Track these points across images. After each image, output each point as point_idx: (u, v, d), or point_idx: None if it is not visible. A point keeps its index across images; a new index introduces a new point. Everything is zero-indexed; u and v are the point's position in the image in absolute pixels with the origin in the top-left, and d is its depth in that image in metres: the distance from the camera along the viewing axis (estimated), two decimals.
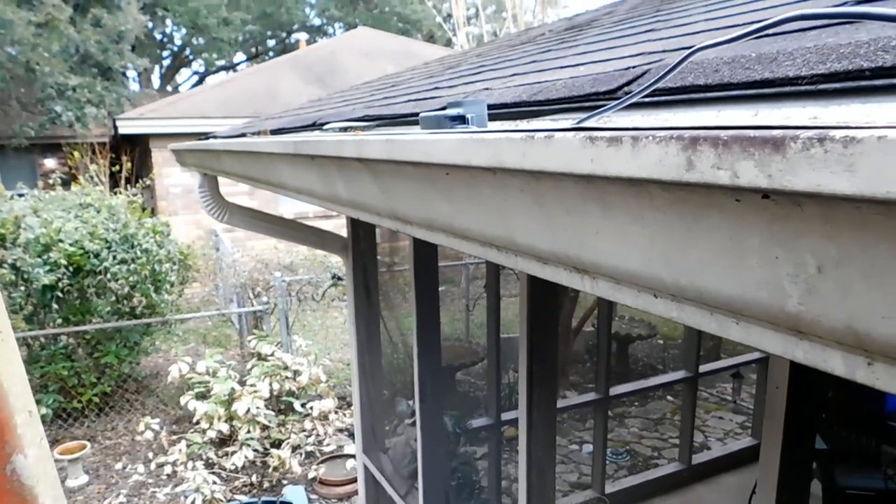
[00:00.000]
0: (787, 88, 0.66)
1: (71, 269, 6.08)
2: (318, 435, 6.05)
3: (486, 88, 1.50)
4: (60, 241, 5.99)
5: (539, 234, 0.81)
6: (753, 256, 0.54)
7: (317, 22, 31.18)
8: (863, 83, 0.60)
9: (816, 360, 0.54)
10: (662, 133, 0.53)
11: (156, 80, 29.80)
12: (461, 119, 0.95)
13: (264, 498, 4.25)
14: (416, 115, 1.47)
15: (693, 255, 0.60)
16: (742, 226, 0.53)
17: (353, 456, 5.70)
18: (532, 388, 2.98)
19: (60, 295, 6.14)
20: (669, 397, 7.09)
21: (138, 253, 6.46)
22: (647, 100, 0.85)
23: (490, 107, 1.10)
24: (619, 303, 0.76)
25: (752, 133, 0.46)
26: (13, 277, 5.98)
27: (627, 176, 0.57)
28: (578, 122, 0.75)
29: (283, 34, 30.83)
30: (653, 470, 5.61)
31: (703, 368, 5.38)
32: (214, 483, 5.22)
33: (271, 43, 31.60)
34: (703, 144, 0.49)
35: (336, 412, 6.17)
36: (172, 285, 7.04)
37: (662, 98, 0.84)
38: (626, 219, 0.66)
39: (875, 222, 0.41)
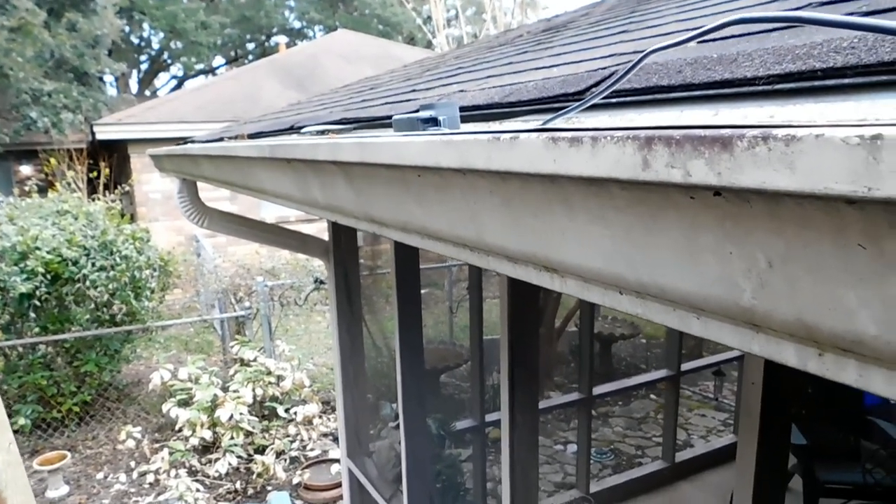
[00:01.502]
0: (746, 89, 0.68)
1: (49, 276, 6.01)
2: (302, 440, 6.02)
3: (462, 91, 1.52)
4: (37, 248, 5.92)
5: (508, 235, 0.82)
6: (708, 253, 0.55)
7: (297, 25, 31.08)
8: (815, 83, 0.62)
9: (771, 352, 0.56)
10: (620, 133, 0.54)
11: (133, 85, 29.53)
12: (433, 121, 0.96)
13: None
14: (391, 117, 1.48)
15: (653, 252, 0.61)
16: (697, 223, 0.54)
17: (337, 461, 5.69)
18: (514, 388, 3.00)
19: (38, 303, 6.06)
20: (653, 396, 7.15)
21: (118, 260, 6.39)
22: (613, 100, 0.86)
23: (463, 109, 1.11)
24: (588, 300, 0.77)
25: (702, 132, 0.47)
26: None
27: (588, 175, 0.59)
28: (544, 123, 0.76)
29: (263, 37, 30.70)
30: (637, 469, 5.65)
31: (685, 367, 5.43)
32: (198, 490, 5.18)
33: (251, 46, 31.45)
34: (657, 144, 0.50)
35: (320, 417, 6.15)
36: (153, 292, 6.98)
37: (629, 98, 0.85)
38: (588, 218, 0.67)
39: (816, 218, 0.43)
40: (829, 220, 0.42)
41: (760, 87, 0.66)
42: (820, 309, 0.47)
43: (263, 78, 14.25)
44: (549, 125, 0.72)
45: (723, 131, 0.46)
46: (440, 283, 8.05)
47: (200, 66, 29.91)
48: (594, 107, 0.85)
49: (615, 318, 8.01)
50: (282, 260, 8.71)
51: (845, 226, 0.42)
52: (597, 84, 0.92)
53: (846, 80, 0.60)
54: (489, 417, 4.56)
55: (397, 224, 1.13)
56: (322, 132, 1.66)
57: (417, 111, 1.00)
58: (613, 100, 0.86)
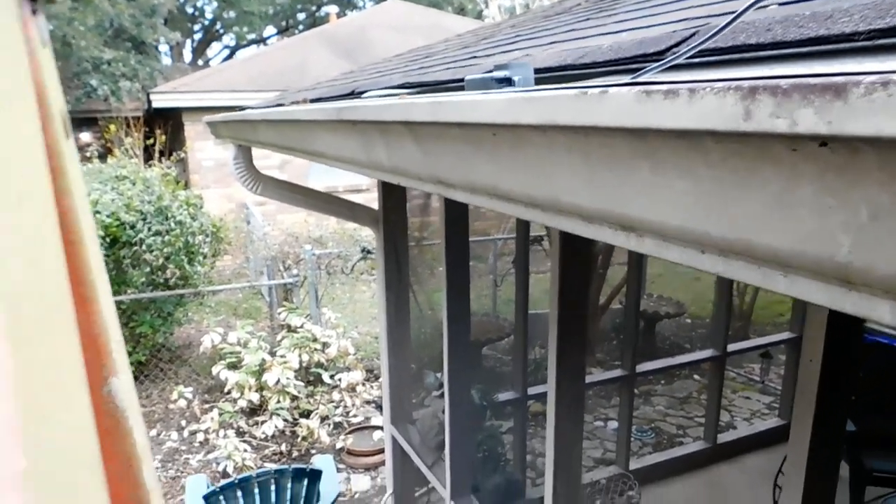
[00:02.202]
0: (844, 45, 0.66)
1: (108, 240, 6.22)
2: (345, 406, 6.16)
3: (527, 55, 1.51)
4: (98, 212, 6.12)
5: (584, 193, 0.82)
6: (805, 207, 0.55)
7: None
8: None
9: (864, 309, 0.55)
10: (720, 84, 0.54)
11: (187, 55, 30.02)
12: (507, 81, 0.97)
13: (294, 465, 4.36)
14: (457, 81, 1.48)
15: (743, 208, 0.61)
16: (795, 176, 0.54)
17: (379, 427, 5.80)
18: (561, 362, 3.00)
19: None
20: (696, 376, 7.07)
21: (172, 225, 6.58)
22: (696, 60, 0.85)
23: (535, 70, 1.10)
24: (665, 259, 0.77)
25: (813, 80, 0.47)
26: None
27: (681, 128, 0.59)
28: (633, 78, 0.76)
29: (313, 7, 30.76)
30: (678, 448, 5.62)
31: (731, 347, 5.34)
32: (245, 451, 5.35)
33: (301, 16, 31.57)
34: (762, 94, 0.50)
35: (363, 384, 6.27)
36: (205, 257, 7.17)
37: (713, 58, 0.84)
38: (675, 173, 0.67)
39: None
40: None
41: (861, 43, 0.64)
42: None
43: (313, 48, 14.32)
44: (638, 79, 0.72)
45: (836, 79, 0.45)
46: (484, 257, 8.06)
47: (252, 36, 30.21)
48: (676, 67, 0.84)
49: (661, 297, 7.92)
50: (329, 229, 8.82)
51: None
52: (677, 45, 0.91)
53: None
54: (531, 391, 4.59)
55: (465, 184, 1.14)
56: (385, 97, 1.67)
57: (492, 71, 1.00)
58: (696, 60, 0.85)
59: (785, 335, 5.69)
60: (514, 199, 1.02)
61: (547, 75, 1.14)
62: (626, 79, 0.77)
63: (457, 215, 3.26)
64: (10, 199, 0.36)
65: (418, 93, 1.64)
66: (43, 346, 0.37)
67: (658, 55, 0.90)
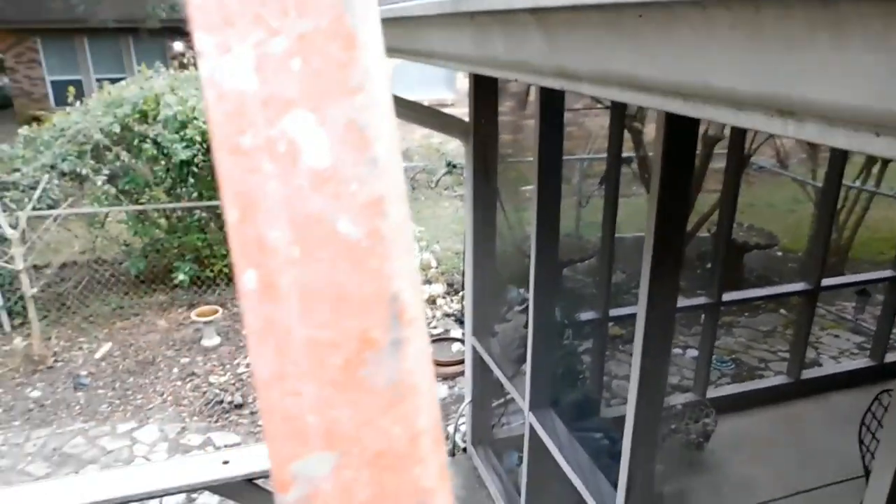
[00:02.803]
0: None
1: (204, 146, 6.46)
2: (426, 318, 6.33)
3: None
4: (195, 118, 6.34)
5: (743, 75, 0.78)
6: None
7: None
8: None
9: None
10: None
11: None
12: None
13: None
14: None
15: None
16: None
17: (458, 339, 5.96)
18: (654, 283, 2.95)
19: (196, 170, 6.56)
20: (783, 310, 6.85)
21: None
22: None
23: None
24: (825, 144, 0.73)
25: None
26: (154, 152, 6.44)
27: None
28: None
29: None
30: (758, 381, 5.53)
31: (825, 282, 5.12)
32: None
33: None
34: None
35: (444, 297, 6.41)
36: None
37: None
38: (863, 46, 0.62)
39: None
40: None
41: None
42: None
43: None
44: None
45: None
46: (569, 177, 7.92)
47: None
48: None
49: (751, 227, 7.61)
50: (415, 143, 8.83)
51: None
52: None
53: None
54: (613, 312, 4.57)
55: (596, 76, 1.10)
56: None
57: None
58: None
59: (887, 272, 5.40)
60: (652, 89, 0.98)
61: None
62: None
63: (553, 127, 3.18)
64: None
65: None
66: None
67: None
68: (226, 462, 1.51)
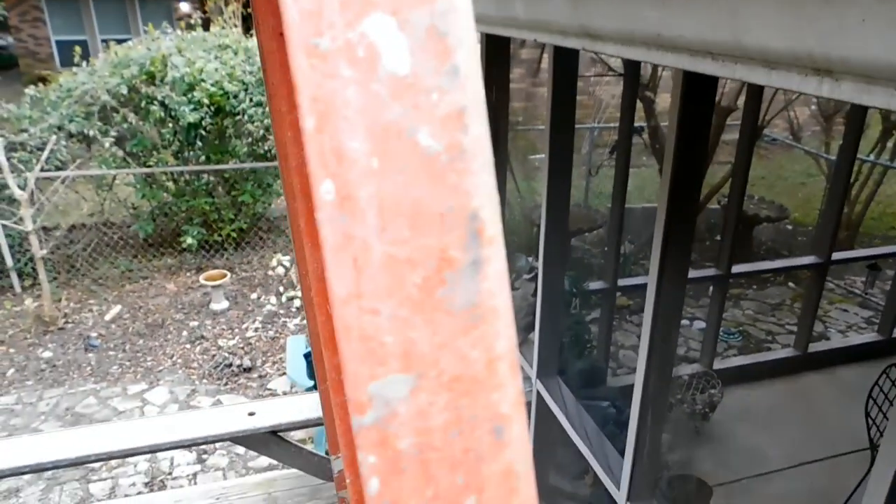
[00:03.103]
0: None
1: (212, 108, 6.42)
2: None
3: None
4: (203, 80, 6.29)
5: (779, 32, 0.76)
6: None
7: None
8: None
9: None
10: None
11: None
12: None
13: None
14: None
15: None
16: None
17: None
18: (666, 253, 2.94)
19: (203, 133, 6.53)
20: (791, 284, 6.83)
21: None
22: None
23: None
24: (861, 104, 0.71)
25: None
26: (162, 115, 6.40)
27: None
28: None
29: None
30: (765, 353, 5.54)
31: (835, 256, 5.09)
32: None
33: None
34: None
35: None
36: None
37: None
38: None
39: None
40: None
41: None
42: None
43: None
44: None
45: None
46: (578, 147, 7.85)
47: None
48: None
49: (762, 199, 7.56)
50: None
51: None
52: None
53: None
54: (621, 282, 4.57)
55: (621, 35, 1.08)
56: None
57: None
58: None
59: None
60: (680, 48, 0.96)
61: None
62: None
63: (566, 94, 3.14)
64: None
65: None
66: None
67: None
68: (251, 413, 1.53)
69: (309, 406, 1.56)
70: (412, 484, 0.18)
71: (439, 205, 0.18)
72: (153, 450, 1.68)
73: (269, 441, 1.54)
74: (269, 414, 1.53)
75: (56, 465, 1.57)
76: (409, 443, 0.18)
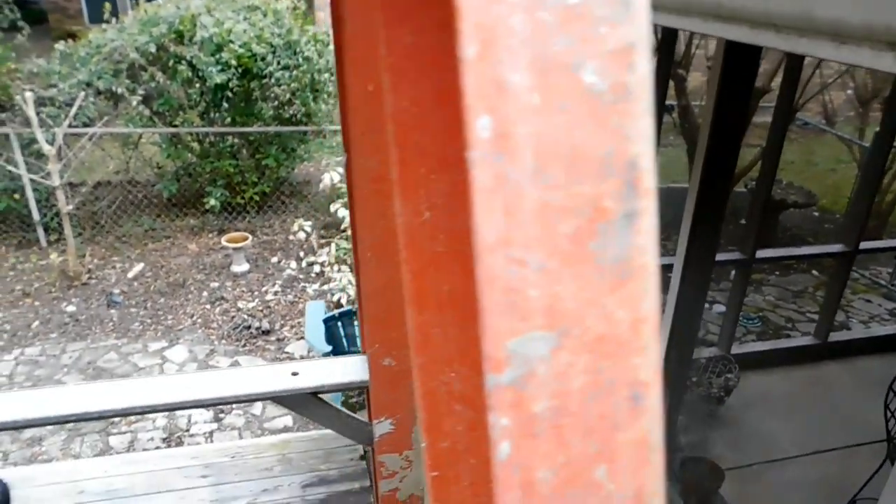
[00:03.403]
0: None
1: (240, 70, 6.39)
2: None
3: None
4: (231, 41, 6.25)
5: (854, 4, 0.72)
6: None
7: None
8: None
9: None
10: None
11: None
12: None
13: None
14: None
15: None
16: None
17: None
18: (694, 236, 2.91)
19: (230, 95, 6.52)
20: (815, 271, 6.74)
21: (300, 60, 6.65)
22: None
23: None
24: None
25: None
26: (189, 74, 6.39)
27: None
28: None
29: None
30: (784, 340, 5.49)
31: (863, 245, 5.00)
32: None
33: None
34: None
35: None
36: (329, 96, 7.27)
37: None
38: None
39: None
40: None
41: None
42: None
43: None
44: None
45: None
46: None
47: None
48: None
49: (790, 184, 7.43)
50: None
51: None
52: None
53: None
54: None
55: (674, 2, 1.04)
56: None
57: None
58: None
59: None
60: (740, 19, 0.92)
61: None
62: None
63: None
64: None
65: None
66: None
67: None
68: (295, 374, 1.54)
69: (353, 369, 1.57)
70: (544, 449, 0.17)
71: (598, 149, 0.17)
72: (197, 405, 1.70)
73: (309, 402, 1.55)
74: (313, 375, 1.54)
75: (102, 416, 1.60)
76: (545, 406, 0.17)
